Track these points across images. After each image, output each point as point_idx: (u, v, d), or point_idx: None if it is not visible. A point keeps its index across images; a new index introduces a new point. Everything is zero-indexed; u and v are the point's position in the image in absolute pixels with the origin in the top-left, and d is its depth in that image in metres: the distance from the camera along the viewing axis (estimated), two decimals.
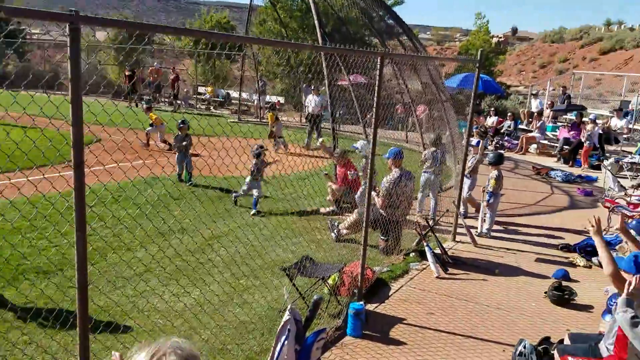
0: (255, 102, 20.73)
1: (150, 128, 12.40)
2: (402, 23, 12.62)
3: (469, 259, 6.87)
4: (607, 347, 3.67)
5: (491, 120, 17.56)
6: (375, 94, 4.38)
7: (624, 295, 2.48)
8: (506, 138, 17.04)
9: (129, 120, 3.51)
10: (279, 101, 21.96)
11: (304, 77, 18.78)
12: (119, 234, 6.25)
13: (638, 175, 11.67)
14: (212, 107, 22.44)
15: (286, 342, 3.45)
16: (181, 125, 9.63)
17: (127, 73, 20.76)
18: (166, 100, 22.38)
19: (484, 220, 7.91)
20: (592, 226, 3.78)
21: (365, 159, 7.58)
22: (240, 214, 7.81)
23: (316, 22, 8.79)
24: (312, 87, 13.96)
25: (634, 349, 3.30)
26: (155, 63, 23.21)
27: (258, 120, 19.32)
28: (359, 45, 6.40)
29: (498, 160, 7.95)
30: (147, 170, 6.70)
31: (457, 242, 7.55)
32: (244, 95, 21.30)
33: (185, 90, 23.43)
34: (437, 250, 6.74)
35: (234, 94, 22.49)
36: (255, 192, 8.21)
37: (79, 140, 2.35)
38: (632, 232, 6.60)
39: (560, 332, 4.75)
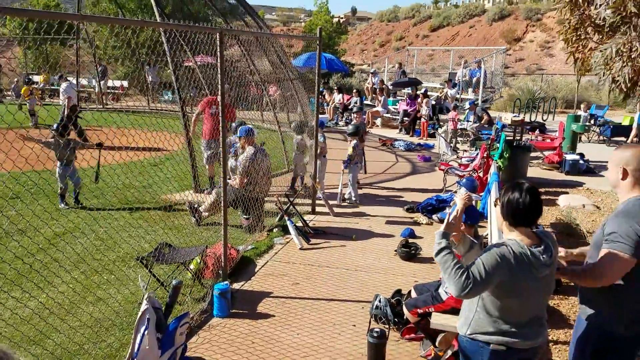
0: (97, 89, 19.25)
1: None
2: (245, 3, 12.52)
3: (329, 228, 7.19)
4: (445, 291, 4.12)
5: (338, 98, 18.33)
6: (218, 71, 4.32)
7: (441, 227, 2.79)
8: (354, 114, 17.92)
9: None
10: (122, 85, 20.63)
11: (147, 59, 17.84)
12: None
13: (467, 140, 13.12)
14: (47, 97, 20.32)
15: (146, 332, 3.33)
16: (58, 128, 7.42)
17: None
18: None
19: (344, 190, 8.44)
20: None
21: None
22: (85, 209, 7.25)
23: (152, 0, 8.35)
24: (60, 75, 13.62)
25: None
26: None
27: (101, 106, 17.98)
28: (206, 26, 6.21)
29: (356, 132, 8.48)
30: None
31: (317, 214, 7.84)
32: (84, 81, 19.65)
33: (15, 80, 20.87)
34: (299, 224, 6.96)
35: (72, 80, 20.60)
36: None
37: None
38: (463, 189, 7.46)
39: (410, 284, 5.20)
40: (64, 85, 13.15)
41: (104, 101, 18.68)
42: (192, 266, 5.13)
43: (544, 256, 2.55)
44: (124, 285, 4.94)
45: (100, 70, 18.80)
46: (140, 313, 3.39)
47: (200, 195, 7.83)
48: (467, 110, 14.51)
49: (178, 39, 7.86)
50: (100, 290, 4.90)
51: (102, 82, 18.73)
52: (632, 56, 2.80)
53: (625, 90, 3.10)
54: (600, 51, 3.06)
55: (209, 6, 13.88)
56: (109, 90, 19.74)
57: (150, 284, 4.67)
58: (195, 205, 6.88)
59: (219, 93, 4.52)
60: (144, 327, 3.34)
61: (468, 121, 14.09)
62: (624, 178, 2.70)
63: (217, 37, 4.28)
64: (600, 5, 2.97)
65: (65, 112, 12.03)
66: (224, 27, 4.39)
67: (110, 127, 12.31)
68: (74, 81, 18.18)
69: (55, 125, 7.54)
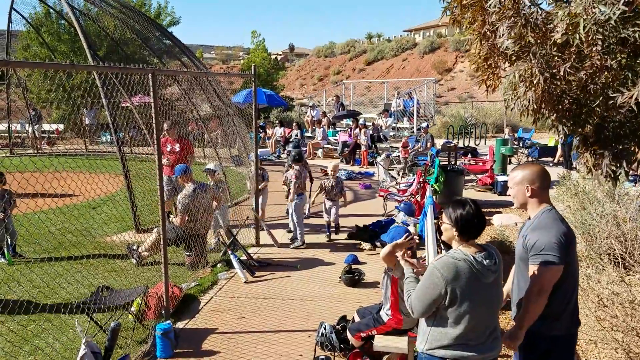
0: (30, 133, 18.66)
1: None
2: (180, 43, 12.65)
3: (274, 259, 7.25)
4: (386, 313, 4.26)
5: (279, 131, 18.62)
6: (153, 110, 4.39)
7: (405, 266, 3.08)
8: None
9: None
10: (57, 129, 20.07)
11: (83, 101, 17.53)
12: None
13: (405, 166, 13.59)
14: None
15: None
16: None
17: None
18: None
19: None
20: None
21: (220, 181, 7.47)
22: (22, 257, 6.96)
23: (84, 43, 8.31)
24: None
25: (405, 309, 3.91)
26: None
27: (36, 151, 17.46)
28: (139, 67, 6.26)
29: (299, 158, 8.24)
30: None
31: (261, 245, 7.88)
32: (17, 126, 19.01)
33: None
34: (243, 257, 6.97)
35: (1, 126, 19.84)
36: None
37: None
38: (402, 213, 7.74)
39: (355, 309, 5.32)
40: None
41: (39, 146, 18.13)
42: (133, 308, 5.04)
43: (487, 261, 2.71)
44: (62, 333, 4.78)
45: (33, 114, 18.30)
46: (78, 359, 3.32)
47: (143, 235, 7.71)
48: (423, 135, 15.11)
49: (113, 80, 7.85)
50: (37, 339, 4.71)
51: (36, 127, 18.21)
52: (534, 81, 3.02)
53: (532, 114, 3.37)
54: (506, 77, 3.31)
55: (145, 47, 13.88)
56: (43, 135, 19.16)
57: (90, 329, 4.55)
58: (135, 247, 6.75)
59: (154, 131, 4.58)
60: None
61: (426, 145, 14.63)
62: (532, 196, 2.91)
63: (150, 77, 4.36)
64: (503, 35, 3.21)
65: None
66: (156, 68, 4.48)
67: (45, 172, 12.01)
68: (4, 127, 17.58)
69: None
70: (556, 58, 2.79)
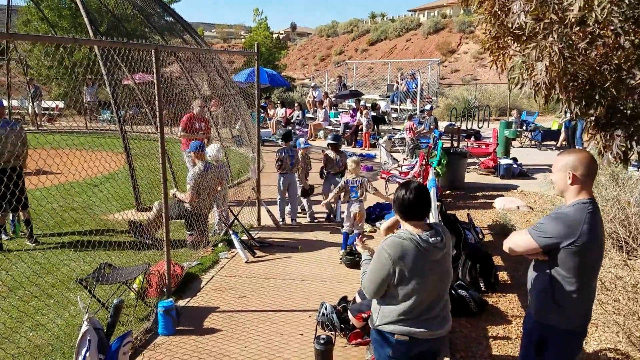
0: (30, 110, 18.58)
1: None
2: (183, 21, 12.48)
3: (275, 240, 7.24)
4: None
5: (280, 112, 18.51)
6: (155, 87, 4.32)
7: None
8: (297, 127, 18.16)
9: None
10: (57, 106, 19.97)
11: (84, 78, 17.38)
12: None
13: (406, 149, 13.53)
14: None
15: (87, 353, 3.28)
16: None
17: None
18: None
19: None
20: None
21: (217, 163, 7.21)
22: (18, 233, 6.95)
23: (85, 19, 8.17)
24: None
25: None
26: None
27: (36, 128, 17.39)
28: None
29: (287, 137, 8.37)
30: None
31: (263, 226, 7.87)
32: (15, 102, 18.90)
33: None
34: (245, 237, 6.96)
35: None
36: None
37: None
38: None
39: (356, 290, 5.31)
40: None
41: (39, 122, 18.05)
42: (135, 285, 5.05)
43: (433, 239, 2.78)
44: (64, 309, 4.80)
45: (33, 91, 18.18)
46: (80, 335, 3.33)
47: (144, 214, 7.69)
48: (426, 117, 15.03)
49: (115, 57, 7.74)
50: (39, 315, 4.73)
51: (36, 103, 18.11)
52: (554, 59, 2.91)
53: (546, 93, 3.27)
54: (523, 55, 3.20)
55: (146, 24, 13.72)
56: (43, 112, 19.07)
57: (92, 306, 4.56)
58: (139, 225, 6.71)
59: (157, 108, 4.51)
60: (85, 349, 3.29)
61: (429, 128, 14.57)
62: (573, 183, 2.75)
63: (153, 53, 4.29)
64: (519, 13, 3.09)
65: None
66: (159, 44, 4.39)
67: (42, 149, 11.95)
68: (5, 102, 17.46)
69: None
70: (574, 37, 2.72)
